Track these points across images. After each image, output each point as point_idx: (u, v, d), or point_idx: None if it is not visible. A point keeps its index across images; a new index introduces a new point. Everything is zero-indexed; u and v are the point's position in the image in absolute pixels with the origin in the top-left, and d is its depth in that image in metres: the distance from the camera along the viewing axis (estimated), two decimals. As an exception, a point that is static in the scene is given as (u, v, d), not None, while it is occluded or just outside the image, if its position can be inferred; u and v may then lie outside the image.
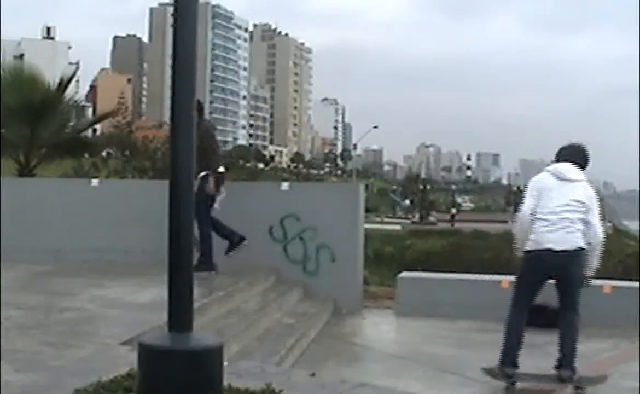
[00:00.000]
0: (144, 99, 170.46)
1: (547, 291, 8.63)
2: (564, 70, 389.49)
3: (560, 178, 5.94)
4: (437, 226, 64.21)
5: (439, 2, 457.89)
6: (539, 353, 7.25)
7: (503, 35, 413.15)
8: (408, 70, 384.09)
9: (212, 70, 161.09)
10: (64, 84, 15.44)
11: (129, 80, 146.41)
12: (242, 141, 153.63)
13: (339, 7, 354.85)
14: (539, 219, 5.84)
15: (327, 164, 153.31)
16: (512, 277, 8.97)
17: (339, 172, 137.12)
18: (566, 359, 5.81)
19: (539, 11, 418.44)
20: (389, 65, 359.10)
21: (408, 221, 74.18)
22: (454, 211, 70.93)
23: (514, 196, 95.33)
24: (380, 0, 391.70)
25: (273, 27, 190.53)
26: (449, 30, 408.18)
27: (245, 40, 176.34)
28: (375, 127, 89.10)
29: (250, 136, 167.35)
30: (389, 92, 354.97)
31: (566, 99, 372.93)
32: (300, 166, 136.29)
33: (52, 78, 15.45)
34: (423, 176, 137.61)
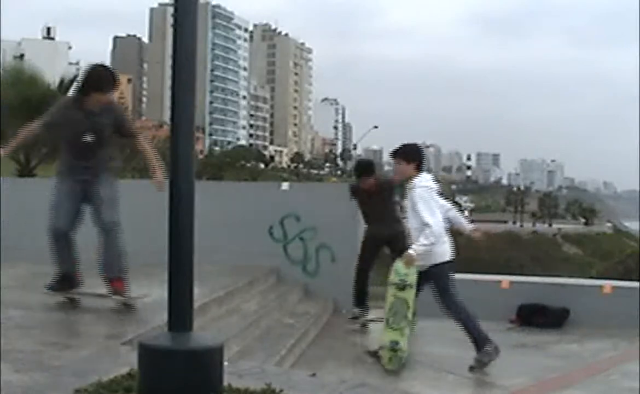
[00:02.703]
0: (144, 99, 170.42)
1: (546, 291, 8.68)
2: (567, 78, 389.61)
3: None
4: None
5: (440, 3, 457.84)
6: (539, 353, 7.28)
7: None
8: (408, 73, 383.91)
9: (212, 70, 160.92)
10: (65, 85, 15.45)
11: (129, 80, 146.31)
12: (242, 141, 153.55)
13: (339, 8, 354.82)
14: None
15: (327, 164, 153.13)
16: (512, 278, 8.99)
17: (339, 172, 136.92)
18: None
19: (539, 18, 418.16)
20: (389, 66, 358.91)
21: (408, 221, 74.05)
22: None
23: (514, 196, 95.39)
24: (381, 2, 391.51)
25: (273, 27, 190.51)
26: (451, 33, 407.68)
27: (245, 40, 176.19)
28: (376, 127, 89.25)
29: (251, 136, 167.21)
30: (390, 92, 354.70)
31: (567, 102, 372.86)
32: (300, 166, 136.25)
33: (52, 78, 15.45)
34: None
